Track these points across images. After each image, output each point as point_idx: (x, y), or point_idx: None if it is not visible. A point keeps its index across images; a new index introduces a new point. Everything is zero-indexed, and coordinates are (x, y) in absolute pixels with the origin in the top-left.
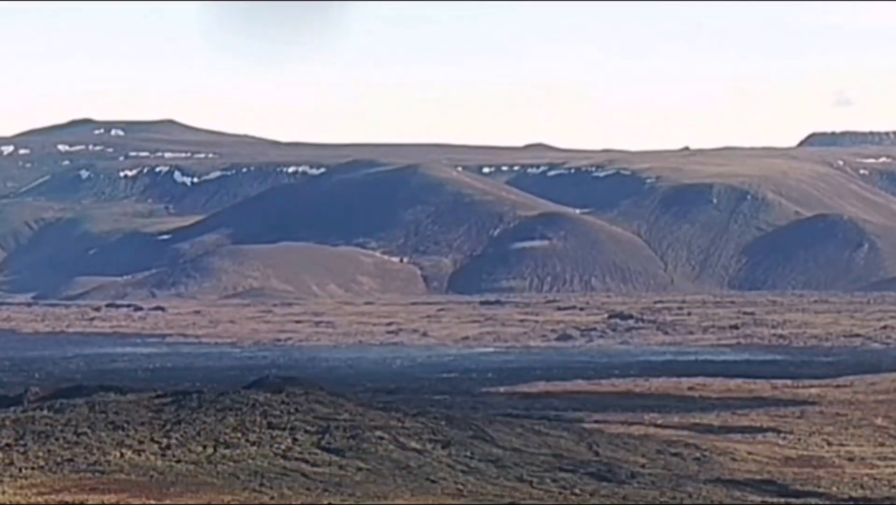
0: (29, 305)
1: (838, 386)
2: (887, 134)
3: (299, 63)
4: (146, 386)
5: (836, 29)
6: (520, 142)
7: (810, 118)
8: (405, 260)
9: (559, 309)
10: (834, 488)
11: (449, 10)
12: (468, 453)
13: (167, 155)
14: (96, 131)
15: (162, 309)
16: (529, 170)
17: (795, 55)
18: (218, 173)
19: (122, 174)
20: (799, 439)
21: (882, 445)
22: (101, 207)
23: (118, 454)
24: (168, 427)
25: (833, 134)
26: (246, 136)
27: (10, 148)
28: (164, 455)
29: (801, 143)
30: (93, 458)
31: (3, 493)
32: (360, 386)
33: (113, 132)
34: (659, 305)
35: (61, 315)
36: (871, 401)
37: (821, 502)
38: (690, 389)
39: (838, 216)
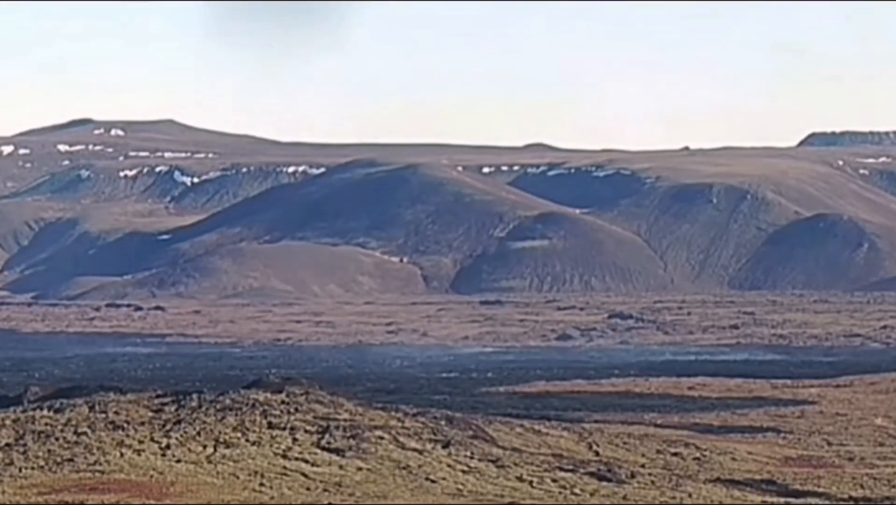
0: (29, 305)
1: (838, 386)
2: (887, 134)
3: (300, 63)
4: (146, 386)
5: (836, 29)
6: (520, 142)
7: (810, 118)
8: (405, 260)
9: (559, 309)
10: (834, 488)
11: (449, 10)
12: (468, 453)
13: (167, 155)
14: (96, 131)
15: (162, 309)
16: (529, 170)
17: (795, 55)
18: (218, 173)
19: (122, 174)
20: (799, 439)
21: (882, 445)
22: (101, 207)
23: (118, 454)
24: (168, 427)
25: (833, 134)
26: (246, 136)
27: (10, 148)
28: (164, 455)
29: (801, 143)
30: (93, 458)
31: (3, 493)
32: (360, 386)
33: (113, 132)
34: (659, 305)
35: (61, 315)
36: (871, 401)
37: (821, 502)
38: (690, 388)
39: (838, 216)
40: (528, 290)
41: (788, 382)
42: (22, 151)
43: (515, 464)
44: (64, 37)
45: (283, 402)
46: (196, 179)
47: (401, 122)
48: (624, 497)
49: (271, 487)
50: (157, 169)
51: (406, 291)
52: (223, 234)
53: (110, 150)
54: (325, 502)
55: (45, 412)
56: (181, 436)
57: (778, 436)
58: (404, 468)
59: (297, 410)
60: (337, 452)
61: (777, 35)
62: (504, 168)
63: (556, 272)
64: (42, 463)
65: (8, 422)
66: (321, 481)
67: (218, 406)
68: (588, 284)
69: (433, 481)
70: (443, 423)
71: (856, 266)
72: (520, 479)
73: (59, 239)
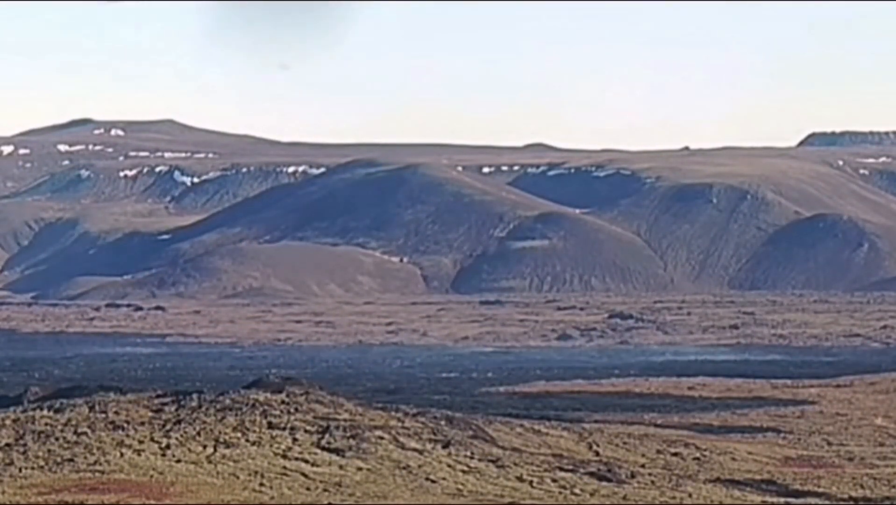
0: (29, 305)
1: (838, 386)
2: (887, 134)
3: (299, 63)
4: (146, 386)
5: (836, 29)
6: (520, 142)
7: (810, 118)
8: (405, 260)
9: (559, 309)
10: (834, 488)
11: (449, 10)
12: (468, 453)
13: (167, 155)
14: (96, 131)
15: (162, 309)
16: (529, 170)
17: (795, 55)
18: (218, 173)
19: (122, 174)
20: (799, 439)
21: (882, 445)
22: (101, 207)
23: (118, 454)
24: (168, 427)
25: (833, 134)
26: (246, 136)
27: (10, 148)
28: (164, 455)
29: (801, 143)
30: (93, 458)
31: (3, 493)
32: (360, 386)
33: (113, 132)
34: (659, 305)
35: (61, 315)
36: (871, 401)
37: (821, 502)
38: (690, 388)
39: (838, 216)
40: (528, 290)
41: (788, 382)
42: (22, 151)
43: (515, 464)
44: (64, 37)
45: (283, 402)
46: (196, 179)
47: (401, 122)
48: (624, 497)
49: (271, 487)
50: (157, 169)
51: (406, 291)
52: (223, 234)
53: (110, 150)
54: (325, 502)
55: (45, 412)
56: (181, 436)
57: (778, 436)
58: (404, 468)
59: (297, 410)
60: (337, 452)
61: (776, 35)
62: (504, 168)
63: (556, 272)
64: (42, 463)
65: (8, 422)
66: (321, 481)
67: (218, 406)
68: (588, 284)
69: (433, 481)
70: (443, 423)
71: (856, 266)
72: (520, 479)
73: (59, 239)
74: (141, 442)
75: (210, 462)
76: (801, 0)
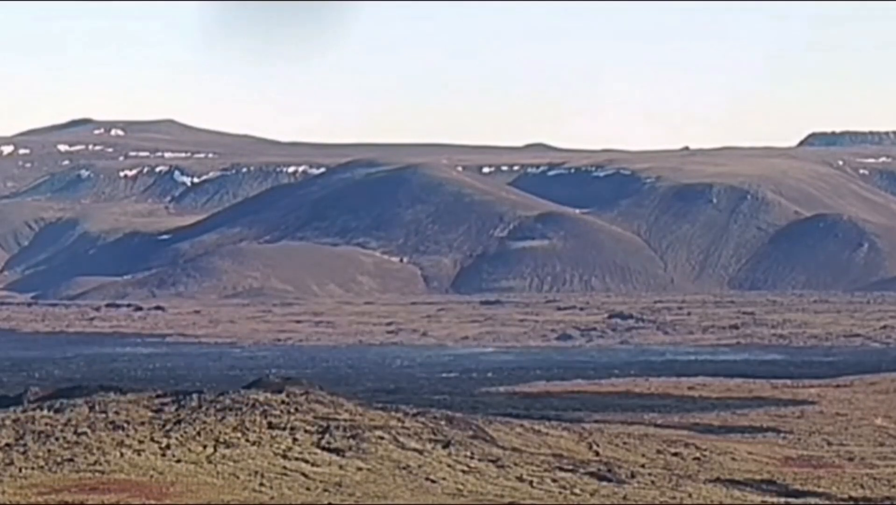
0: (29, 305)
1: (838, 386)
2: (887, 134)
3: (299, 63)
4: (146, 386)
5: (836, 29)
6: (520, 142)
7: (810, 118)
8: (405, 260)
9: (559, 309)
10: (834, 488)
11: (449, 10)
12: (468, 453)
13: (167, 155)
14: (96, 131)
15: (162, 309)
16: (529, 170)
17: (795, 55)
18: (218, 173)
19: (122, 174)
20: (799, 439)
21: (882, 445)
22: (101, 207)
23: (118, 454)
24: (168, 427)
25: (833, 134)
26: (246, 136)
27: (10, 148)
28: (164, 455)
29: (801, 143)
30: (93, 458)
31: (3, 493)
32: (360, 386)
33: (113, 132)
34: (659, 305)
35: (61, 315)
36: (871, 401)
37: (821, 502)
38: (690, 388)
39: (838, 216)
40: (528, 290)
41: (788, 382)
42: (22, 151)
43: (515, 464)
44: (64, 37)
45: (283, 402)
46: (196, 179)
47: (401, 122)
48: (624, 497)
49: (271, 487)
50: (157, 169)
51: (406, 291)
52: (223, 234)
53: (110, 150)
54: (325, 502)
55: (45, 412)
56: (181, 436)
57: (778, 436)
58: (404, 468)
59: (297, 410)
60: (337, 452)
61: (777, 34)
62: (504, 168)
63: (556, 272)
64: (42, 463)
65: (8, 422)
66: (321, 481)
67: (218, 406)
68: (588, 284)
69: (433, 481)
70: (443, 423)
71: (856, 266)
72: (520, 479)
73: (59, 239)
74: (141, 442)
75: (210, 462)
76: (802, 0)
